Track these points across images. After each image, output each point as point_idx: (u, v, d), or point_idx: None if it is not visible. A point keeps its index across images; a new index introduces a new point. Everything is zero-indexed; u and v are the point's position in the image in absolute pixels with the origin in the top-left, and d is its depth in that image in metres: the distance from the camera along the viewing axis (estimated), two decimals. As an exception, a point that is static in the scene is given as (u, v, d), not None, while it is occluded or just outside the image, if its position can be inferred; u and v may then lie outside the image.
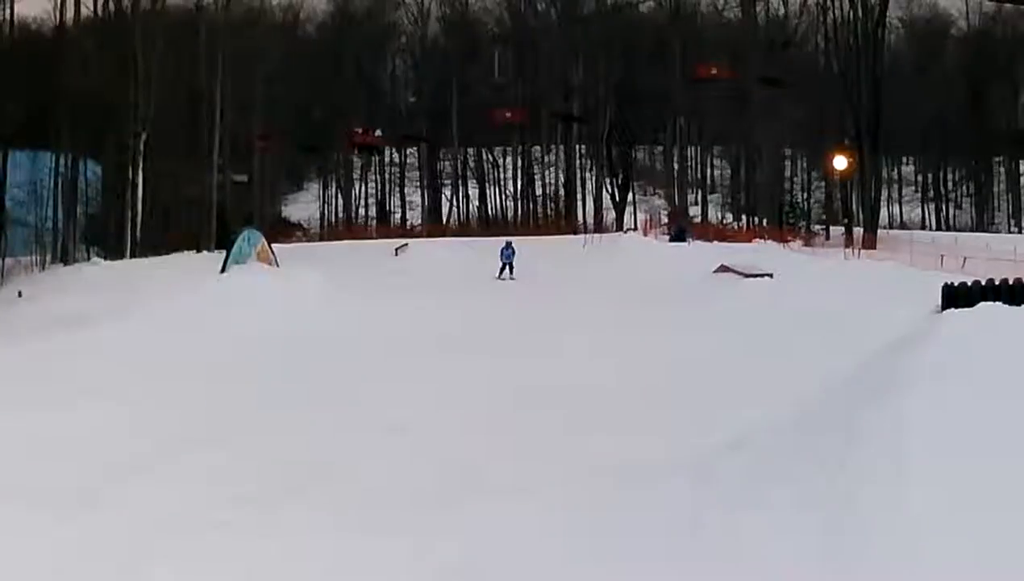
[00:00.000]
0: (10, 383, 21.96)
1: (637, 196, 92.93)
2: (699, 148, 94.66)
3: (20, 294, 45.25)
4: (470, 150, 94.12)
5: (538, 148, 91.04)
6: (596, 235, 63.01)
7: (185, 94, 66.23)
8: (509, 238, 51.91)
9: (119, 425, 18.58)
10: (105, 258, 57.17)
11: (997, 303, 13.91)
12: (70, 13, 67.81)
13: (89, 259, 59.72)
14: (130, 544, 12.44)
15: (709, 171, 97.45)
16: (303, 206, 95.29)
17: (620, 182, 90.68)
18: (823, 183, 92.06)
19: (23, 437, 17.22)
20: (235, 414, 19.57)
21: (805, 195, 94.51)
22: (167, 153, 63.82)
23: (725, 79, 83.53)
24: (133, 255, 58.44)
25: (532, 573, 11.14)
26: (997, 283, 15.04)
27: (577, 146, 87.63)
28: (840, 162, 79.13)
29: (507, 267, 48.27)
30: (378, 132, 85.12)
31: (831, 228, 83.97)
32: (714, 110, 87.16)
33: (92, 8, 67.60)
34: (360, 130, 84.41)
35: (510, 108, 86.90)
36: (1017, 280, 15.09)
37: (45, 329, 30.55)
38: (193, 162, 65.30)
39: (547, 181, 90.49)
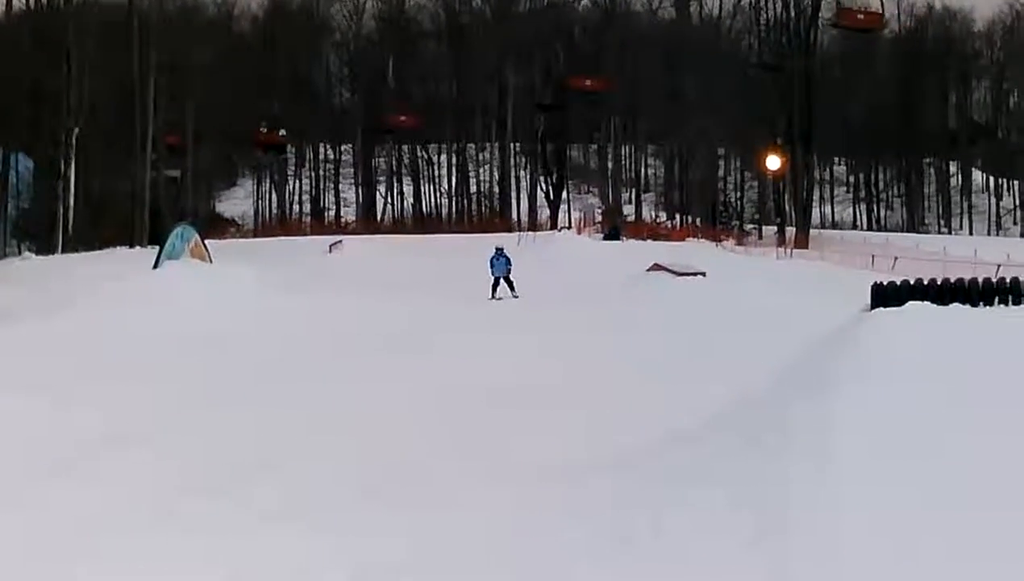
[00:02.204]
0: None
1: (571, 194, 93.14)
2: (633, 146, 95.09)
3: (-52, 289, 44.88)
4: (404, 147, 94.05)
5: (472, 146, 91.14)
6: (530, 233, 63.14)
7: (118, 89, 65.80)
8: (499, 243, 41.68)
9: (37, 422, 18.44)
10: (36, 253, 56.78)
11: (925, 303, 14.08)
12: (1, 5, 67.37)
13: (20, 253, 59.30)
14: (53, 543, 12.37)
15: (643, 169, 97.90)
16: (237, 202, 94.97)
17: (554, 180, 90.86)
18: (756, 182, 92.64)
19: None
20: (158, 413, 19.44)
21: (738, 194, 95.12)
22: (100, 148, 63.42)
23: (599, 91, 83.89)
24: (65, 250, 58.04)
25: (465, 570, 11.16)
26: (926, 283, 15.19)
27: (511, 144, 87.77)
28: (773, 162, 79.74)
29: (502, 283, 38.79)
30: (282, 132, 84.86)
31: (764, 227, 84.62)
32: (648, 109, 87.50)
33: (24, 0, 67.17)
34: (264, 129, 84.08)
35: (404, 112, 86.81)
36: (945, 280, 15.26)
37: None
38: (126, 157, 64.87)
39: (481, 178, 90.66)
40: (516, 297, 37.83)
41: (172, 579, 11.34)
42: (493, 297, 38.09)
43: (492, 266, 39.30)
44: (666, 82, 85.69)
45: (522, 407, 18.97)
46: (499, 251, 39.79)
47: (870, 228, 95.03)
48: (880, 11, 79.14)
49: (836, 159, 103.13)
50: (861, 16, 78.21)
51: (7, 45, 65.96)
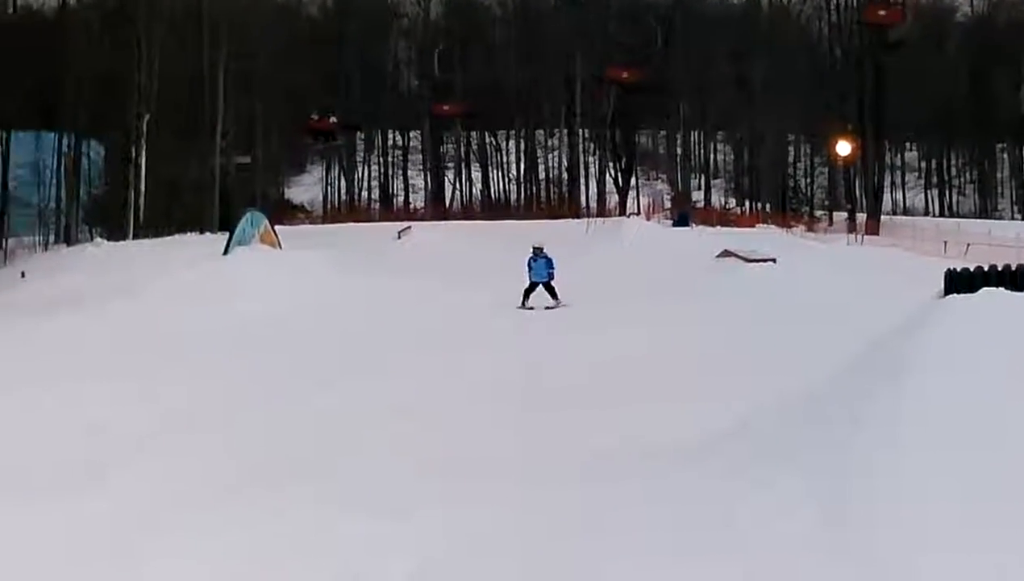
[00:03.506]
0: (15, 362, 22.05)
1: (640, 181, 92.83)
2: (703, 133, 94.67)
3: (23, 275, 45.33)
4: (473, 133, 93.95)
5: (541, 132, 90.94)
6: (599, 219, 62.98)
7: (188, 75, 66.14)
8: (539, 243, 34.12)
9: (125, 402, 18.64)
10: (108, 239, 57.17)
11: (999, 289, 13.88)
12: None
13: (92, 240, 59.74)
14: (140, 515, 12.52)
15: (712, 156, 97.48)
16: (306, 188, 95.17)
17: (623, 166, 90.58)
18: (826, 169, 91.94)
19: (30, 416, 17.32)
20: (227, 399, 19.53)
21: (808, 181, 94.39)
22: (171, 134, 63.80)
23: (635, 82, 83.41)
24: (136, 236, 58.45)
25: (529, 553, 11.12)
26: (1000, 269, 15.00)
27: (580, 130, 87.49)
28: (843, 148, 79.09)
29: (538, 289, 32.59)
30: (333, 118, 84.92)
31: (834, 214, 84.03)
32: (718, 95, 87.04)
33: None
34: (315, 116, 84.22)
35: (452, 102, 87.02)
36: (1020, 266, 15.05)
37: (47, 309, 30.59)
38: (196, 143, 65.22)
39: (550, 165, 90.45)
40: (556, 306, 31.73)
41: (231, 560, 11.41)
42: (524, 305, 32.05)
43: (529, 269, 32.92)
44: (736, 68, 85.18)
45: (589, 400, 18.89)
46: (537, 251, 33.26)
47: (942, 214, 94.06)
48: (902, 7, 78.54)
49: (907, 144, 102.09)
50: (883, 12, 77.85)
51: (79, 32, 66.39)
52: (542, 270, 32.76)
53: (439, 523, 11.95)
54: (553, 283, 32.49)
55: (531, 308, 31.84)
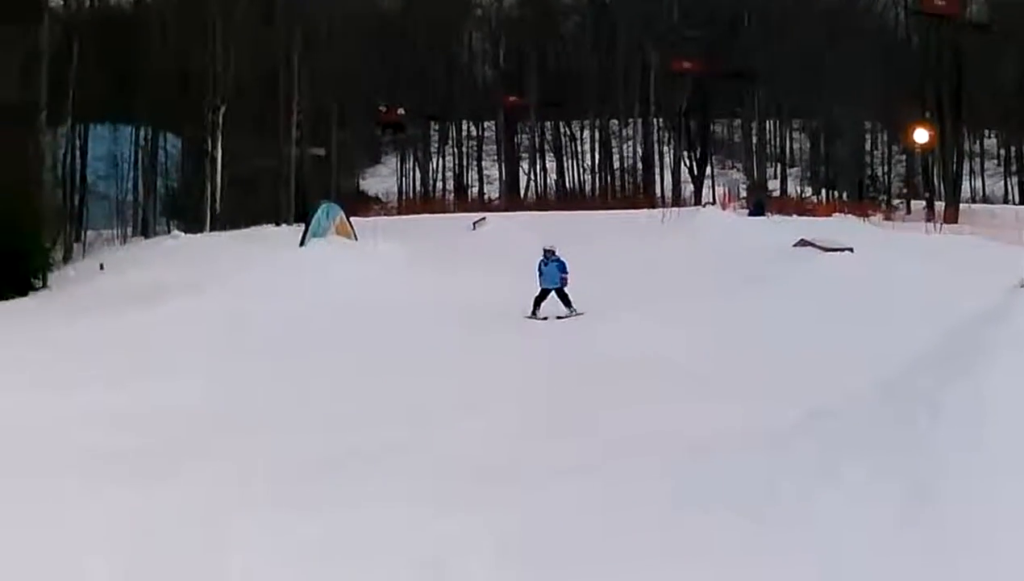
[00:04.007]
0: (98, 354, 22.34)
1: (715, 170, 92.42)
2: (778, 122, 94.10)
3: (102, 267, 45.72)
4: (547, 123, 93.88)
5: (615, 121, 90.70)
6: (674, 209, 62.67)
7: (264, 67, 66.41)
8: (550, 246, 31.11)
9: (210, 393, 18.88)
10: (185, 231, 57.53)
11: (1082, 278, 13.70)
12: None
13: (169, 232, 60.14)
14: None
15: (788, 144, 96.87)
16: (381, 180, 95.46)
17: (698, 156, 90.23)
18: (904, 156, 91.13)
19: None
20: (306, 388, 19.71)
21: (885, 169, 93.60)
22: (246, 127, 64.09)
23: (697, 72, 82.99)
24: (212, 228, 58.78)
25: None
26: (1082, 258, 14.82)
27: (655, 119, 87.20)
28: (921, 135, 78.31)
29: (551, 295, 29.85)
30: (400, 110, 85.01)
31: (912, 202, 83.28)
32: (793, 84, 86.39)
33: (171, -19, 68.00)
34: (383, 108, 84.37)
35: (519, 94, 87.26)
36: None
37: (126, 302, 30.91)
38: (272, 136, 65.51)
39: (624, 154, 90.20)
40: (570, 315, 29.12)
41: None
42: (534, 314, 29.41)
43: (540, 273, 30.13)
44: (812, 55, 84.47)
45: (660, 390, 18.86)
46: (548, 254, 30.50)
47: (1021, 202, 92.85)
48: None
49: (986, 131, 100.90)
50: (940, 3, 76.86)
51: (154, 25, 66.84)
52: (554, 275, 29.85)
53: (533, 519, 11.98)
54: (567, 289, 29.66)
55: (544, 318, 29.11)
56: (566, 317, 28.86)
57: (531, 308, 29.35)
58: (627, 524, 11.48)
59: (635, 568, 10.48)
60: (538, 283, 29.84)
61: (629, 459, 13.93)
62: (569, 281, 29.71)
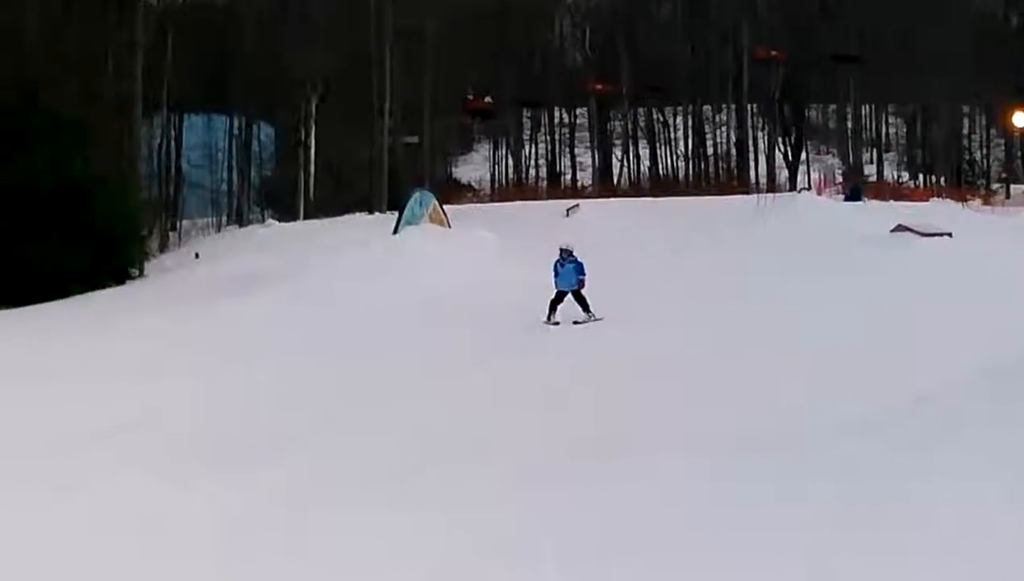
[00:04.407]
0: (196, 342, 22.49)
1: (810, 155, 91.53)
2: (873, 106, 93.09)
3: (197, 256, 46.11)
4: (640, 110, 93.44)
5: (708, 107, 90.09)
6: (769, 195, 62.08)
7: (356, 56, 66.52)
8: (568, 244, 29.16)
9: (311, 378, 18.92)
10: (278, 220, 57.84)
11: None
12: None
13: (263, 221, 60.51)
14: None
15: (884, 129, 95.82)
16: (474, 167, 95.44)
17: (793, 141, 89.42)
18: (1002, 140, 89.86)
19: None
20: (401, 378, 19.66)
21: (984, 152, 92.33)
22: (339, 115, 64.27)
23: (778, 61, 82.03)
24: (306, 217, 59.03)
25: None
26: None
27: (749, 105, 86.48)
28: (1019, 118, 77.12)
29: (567, 298, 27.95)
30: (488, 98, 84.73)
31: (1011, 186, 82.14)
32: (889, 67, 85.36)
33: (264, -28, 68.29)
34: (471, 96, 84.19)
35: (601, 82, 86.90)
36: None
37: (221, 290, 31.07)
38: (364, 124, 65.61)
39: (718, 141, 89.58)
40: (588, 320, 27.29)
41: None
42: (549, 320, 27.50)
43: (555, 274, 28.32)
44: (907, 39, 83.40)
45: (756, 375, 18.60)
46: (565, 254, 28.66)
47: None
48: None
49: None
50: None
51: (248, 15, 67.17)
52: (570, 276, 28.02)
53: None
54: (584, 291, 27.74)
55: (556, 323, 27.27)
56: (583, 322, 27.15)
57: (547, 312, 27.48)
58: (738, 497, 11.25)
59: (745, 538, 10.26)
60: (553, 285, 28.02)
61: (735, 453, 13.65)
62: (586, 283, 27.86)
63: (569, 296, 27.74)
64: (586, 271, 27.98)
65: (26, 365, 22.78)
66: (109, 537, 11.66)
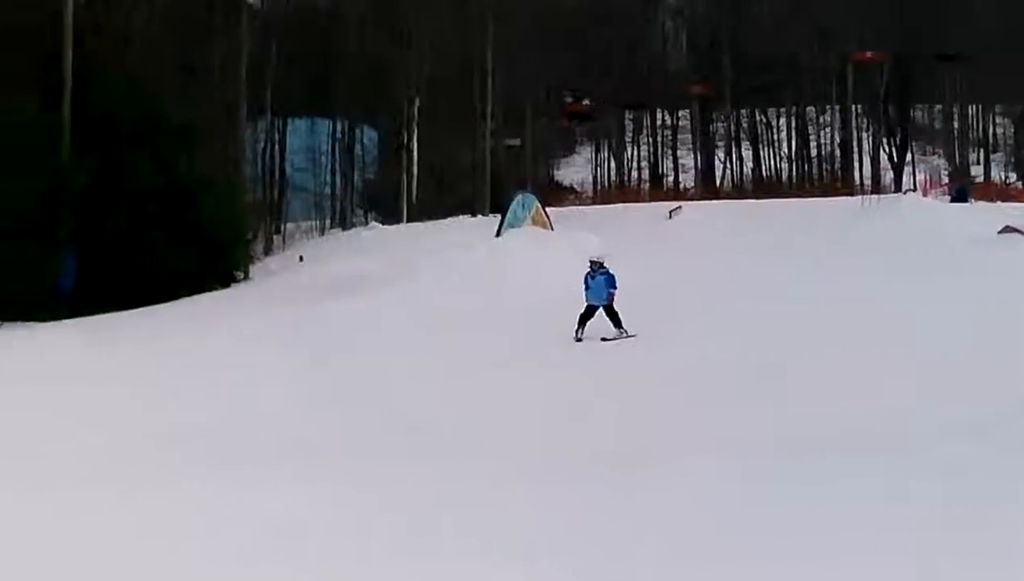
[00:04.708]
0: (303, 343, 22.70)
1: (916, 156, 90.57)
2: (980, 106, 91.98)
3: (301, 259, 46.42)
4: (743, 111, 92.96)
5: (812, 108, 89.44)
6: (874, 196, 61.49)
7: (458, 59, 66.72)
8: (598, 256, 27.90)
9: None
10: (381, 222, 58.11)
11: None
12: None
13: (366, 223, 60.84)
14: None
15: (991, 129, 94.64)
16: (576, 170, 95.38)
17: (898, 142, 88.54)
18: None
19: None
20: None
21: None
22: (441, 118, 64.49)
23: (878, 62, 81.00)
24: (409, 219, 59.26)
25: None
26: None
27: (853, 106, 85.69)
28: None
29: (597, 313, 26.47)
30: (586, 101, 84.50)
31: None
32: (996, 66, 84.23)
33: (366, -25, 68.63)
34: (569, 99, 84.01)
35: (699, 81, 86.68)
36: None
37: (325, 293, 31.28)
38: (466, 127, 65.77)
39: (822, 142, 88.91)
40: (620, 337, 25.75)
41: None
42: (578, 337, 26.04)
43: (586, 287, 26.92)
44: (1015, 38, 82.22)
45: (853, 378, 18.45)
46: (596, 266, 27.15)
47: None
48: None
49: None
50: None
51: (351, 18, 67.55)
52: (600, 289, 26.52)
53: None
54: (615, 305, 26.23)
55: (582, 339, 25.83)
56: (613, 339, 25.63)
57: (576, 327, 26.02)
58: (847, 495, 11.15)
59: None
60: (584, 298, 26.58)
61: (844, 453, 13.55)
62: (616, 297, 26.29)
63: (600, 311, 26.25)
64: (617, 284, 26.48)
65: (136, 365, 23.16)
66: (208, 535, 11.76)
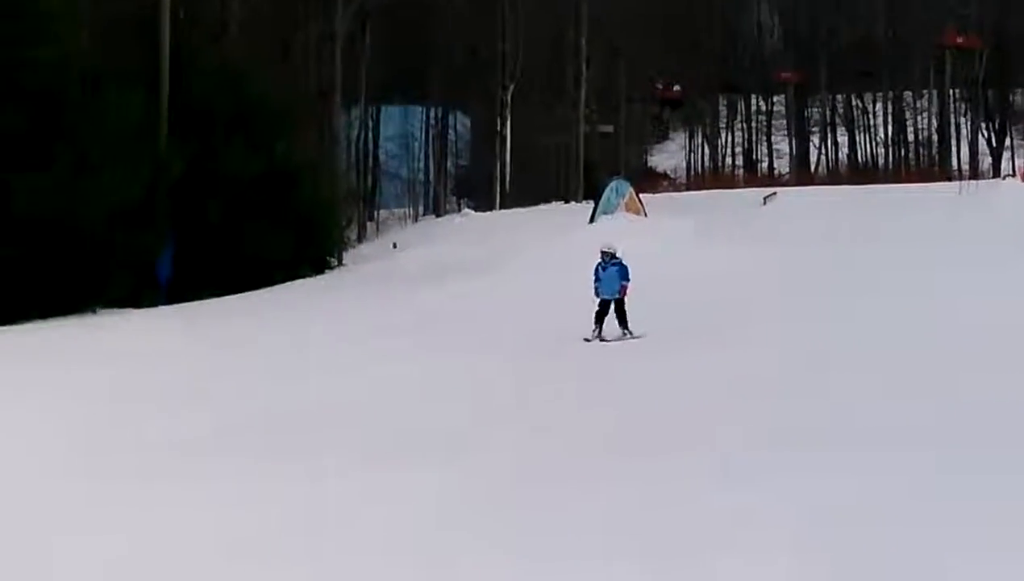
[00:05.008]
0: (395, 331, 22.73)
1: (1015, 141, 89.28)
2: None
3: (395, 246, 46.55)
4: (839, 96, 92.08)
5: (909, 93, 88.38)
6: (972, 182, 60.64)
7: (551, 45, 66.58)
8: (609, 245, 24.77)
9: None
10: (474, 209, 58.17)
11: None
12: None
13: (459, 210, 60.93)
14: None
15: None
16: (669, 156, 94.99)
17: (996, 127, 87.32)
18: None
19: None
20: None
21: None
22: (534, 104, 64.42)
23: (972, 48, 79.49)
24: (502, 206, 59.25)
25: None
26: None
27: (951, 90, 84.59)
28: None
29: (608, 311, 23.68)
30: (677, 87, 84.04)
31: None
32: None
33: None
34: (660, 85, 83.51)
35: (790, 70, 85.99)
36: None
37: (418, 279, 31.34)
38: (560, 113, 65.63)
39: (919, 127, 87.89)
40: (624, 338, 23.36)
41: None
42: (595, 336, 23.45)
43: (597, 279, 24.20)
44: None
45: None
46: (608, 257, 24.35)
47: None
48: None
49: None
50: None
51: (444, 5, 67.55)
52: (613, 282, 23.90)
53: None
54: (625, 299, 23.76)
55: (605, 340, 23.22)
56: (613, 340, 23.24)
57: (592, 328, 23.48)
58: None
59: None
60: (595, 293, 24.05)
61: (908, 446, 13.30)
62: (629, 290, 23.91)
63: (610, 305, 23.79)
64: (630, 276, 23.98)
65: (238, 346, 23.42)
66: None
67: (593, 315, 23.46)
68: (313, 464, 13.92)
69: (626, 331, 23.37)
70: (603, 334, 23.31)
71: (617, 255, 24.19)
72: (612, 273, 23.84)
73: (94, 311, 31.59)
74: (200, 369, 20.99)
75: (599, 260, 24.24)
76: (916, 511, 10.40)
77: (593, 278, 24.13)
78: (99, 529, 11.64)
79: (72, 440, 15.58)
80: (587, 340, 23.12)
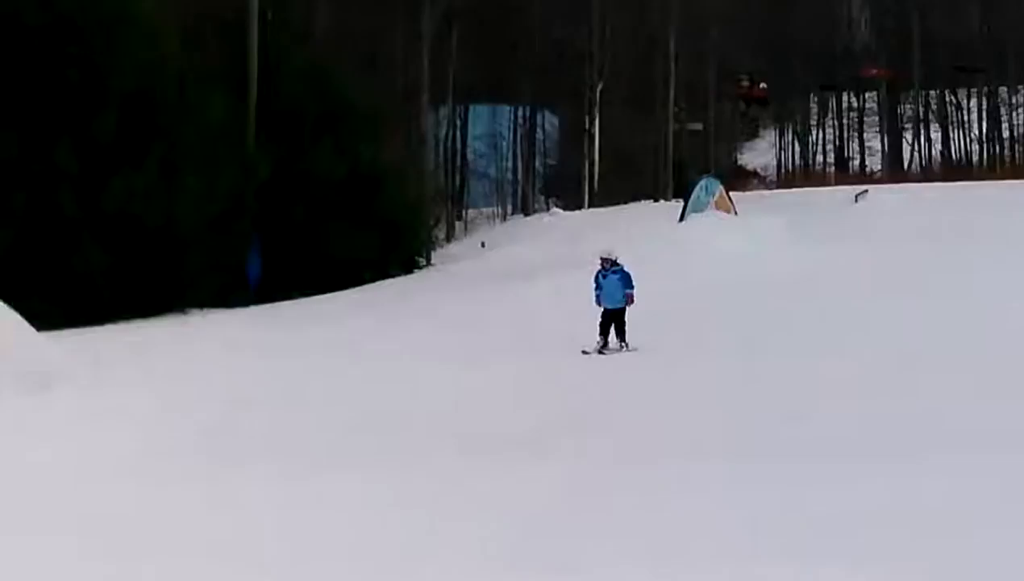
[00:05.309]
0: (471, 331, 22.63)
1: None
2: None
3: (483, 245, 46.55)
4: (932, 92, 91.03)
5: (1005, 88, 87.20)
6: (1067, 180, 59.72)
7: (640, 44, 66.38)
8: (609, 251, 23.24)
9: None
10: (563, 208, 58.09)
11: None
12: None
13: (548, 209, 60.87)
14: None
15: None
16: (759, 154, 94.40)
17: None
18: None
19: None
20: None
21: None
22: (623, 103, 64.26)
23: None
24: (591, 205, 59.14)
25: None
26: None
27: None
28: None
29: (610, 326, 22.31)
30: (762, 84, 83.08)
31: None
32: None
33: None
34: (745, 83, 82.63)
35: (878, 67, 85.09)
36: None
37: (506, 279, 31.29)
38: (649, 111, 65.41)
39: (1015, 123, 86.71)
40: (621, 350, 22.15)
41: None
42: (600, 348, 22.20)
43: (598, 288, 22.85)
44: None
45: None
46: (608, 264, 22.91)
47: None
48: None
49: None
50: None
51: (533, 5, 67.50)
52: (615, 290, 22.57)
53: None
54: (623, 310, 22.45)
55: (601, 352, 22.10)
56: (610, 351, 22.16)
57: (597, 339, 22.21)
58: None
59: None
60: (596, 301, 22.78)
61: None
62: (635, 298, 22.58)
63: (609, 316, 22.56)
64: (634, 283, 22.65)
65: (335, 346, 23.45)
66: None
67: (598, 327, 22.25)
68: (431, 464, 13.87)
69: (623, 344, 22.19)
70: (608, 346, 22.19)
71: (618, 262, 22.94)
72: (614, 281, 22.62)
73: (183, 311, 31.74)
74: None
75: (599, 267, 23.00)
76: (1008, 514, 10.16)
77: (593, 286, 22.95)
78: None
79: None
80: (585, 352, 21.95)
